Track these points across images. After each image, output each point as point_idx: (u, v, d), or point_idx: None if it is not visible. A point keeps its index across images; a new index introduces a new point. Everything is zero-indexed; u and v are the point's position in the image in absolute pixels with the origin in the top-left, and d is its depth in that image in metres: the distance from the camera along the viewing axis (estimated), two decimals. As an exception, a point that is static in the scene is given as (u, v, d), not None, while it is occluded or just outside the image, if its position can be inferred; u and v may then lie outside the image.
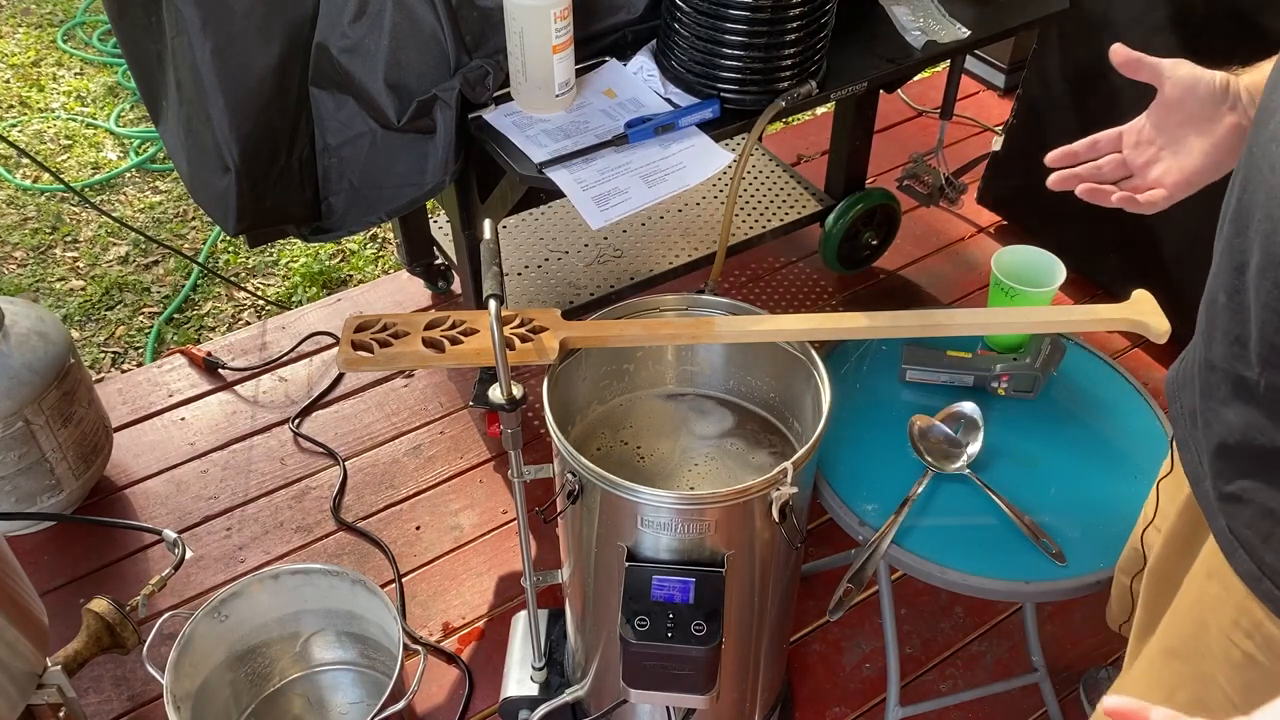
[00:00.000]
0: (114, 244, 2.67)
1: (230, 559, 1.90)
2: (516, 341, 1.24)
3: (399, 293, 2.40)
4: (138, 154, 2.93)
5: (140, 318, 2.48)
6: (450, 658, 1.77)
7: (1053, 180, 1.07)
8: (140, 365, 2.33)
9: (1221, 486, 0.81)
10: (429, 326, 1.25)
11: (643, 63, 1.67)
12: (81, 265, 2.61)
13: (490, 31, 1.55)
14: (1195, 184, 0.99)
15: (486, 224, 1.21)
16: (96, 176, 2.86)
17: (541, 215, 2.23)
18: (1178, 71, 0.96)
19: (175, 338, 2.42)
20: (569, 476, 1.21)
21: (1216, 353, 0.81)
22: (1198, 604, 0.93)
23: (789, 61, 1.60)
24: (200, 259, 2.58)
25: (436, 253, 2.26)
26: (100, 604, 1.47)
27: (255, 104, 1.52)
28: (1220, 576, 0.86)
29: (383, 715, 1.41)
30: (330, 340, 2.28)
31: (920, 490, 1.38)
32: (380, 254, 2.63)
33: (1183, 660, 0.95)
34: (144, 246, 2.64)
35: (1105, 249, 2.27)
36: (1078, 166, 1.05)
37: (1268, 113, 0.75)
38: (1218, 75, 0.95)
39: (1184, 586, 0.97)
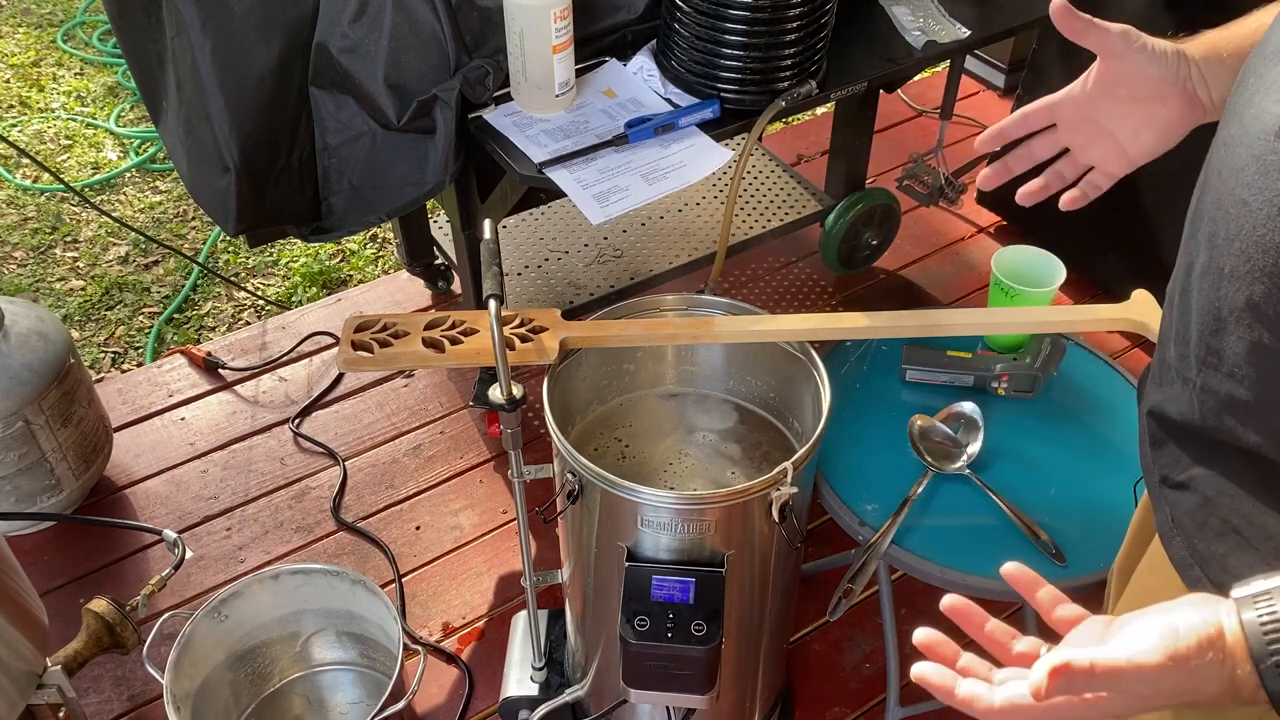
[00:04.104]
0: (114, 244, 2.67)
1: (230, 559, 1.90)
2: (516, 341, 1.24)
3: (399, 293, 2.40)
4: (138, 154, 2.93)
5: (140, 318, 2.48)
6: (450, 658, 1.77)
7: (984, 178, 1.03)
8: (140, 365, 2.33)
9: (1173, 475, 0.82)
10: (429, 326, 1.25)
11: (643, 63, 1.67)
12: (81, 265, 2.61)
13: (490, 31, 1.55)
14: (1138, 164, 0.96)
15: (486, 224, 1.21)
16: (96, 176, 2.86)
17: (541, 215, 2.23)
18: (1130, 47, 0.90)
19: (175, 338, 2.42)
20: (569, 476, 1.21)
21: (1170, 352, 0.81)
22: (1139, 596, 0.94)
23: (789, 61, 1.60)
24: (200, 259, 2.58)
25: (436, 253, 2.26)
26: (100, 604, 1.47)
27: (255, 104, 1.52)
28: (1160, 569, 0.87)
29: (383, 715, 1.41)
30: (330, 340, 2.28)
31: (920, 490, 1.38)
32: (380, 254, 2.63)
33: None
34: (144, 246, 2.64)
35: (1105, 249, 2.27)
36: (1006, 155, 1.01)
37: (1227, 114, 0.75)
38: (1169, 52, 0.89)
39: (1132, 580, 0.98)
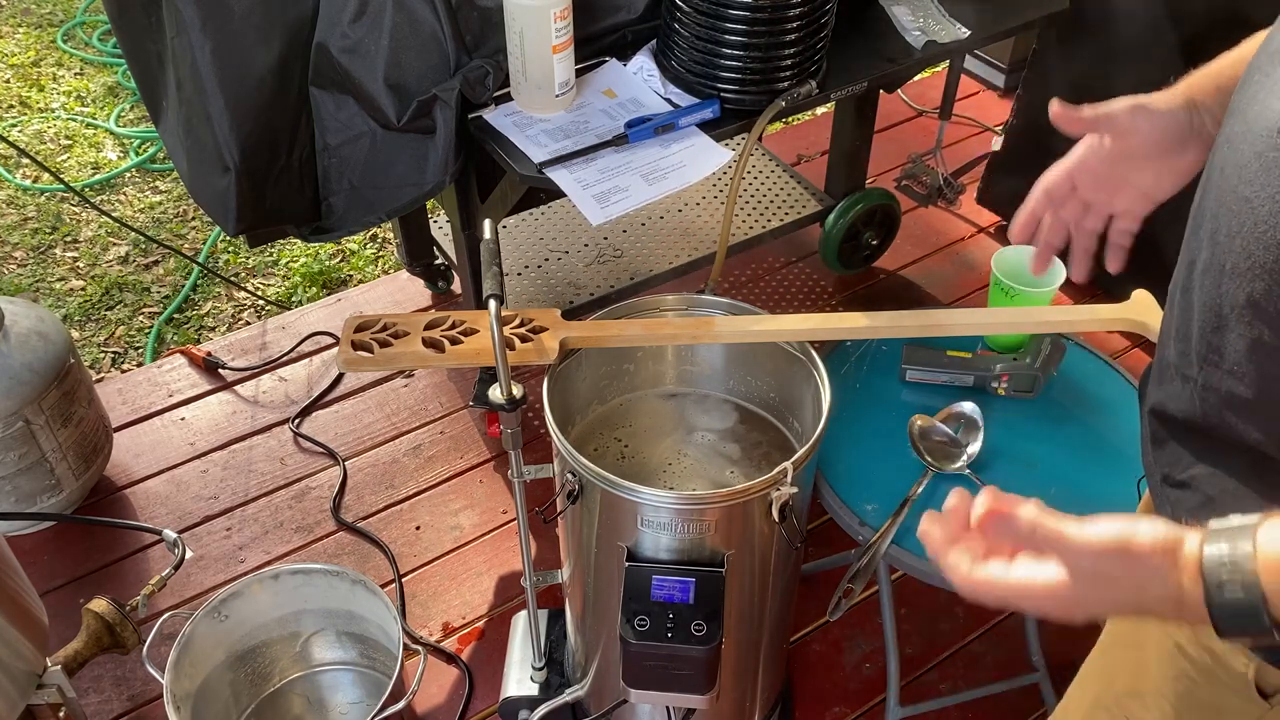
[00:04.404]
0: (114, 244, 2.67)
1: (230, 559, 1.90)
2: (516, 341, 1.24)
3: (399, 293, 2.40)
4: (138, 154, 2.93)
5: (140, 318, 2.48)
6: (450, 658, 1.77)
7: (1034, 266, 1.06)
8: (140, 365, 2.33)
9: (1174, 474, 0.82)
10: (429, 326, 1.26)
11: (643, 63, 1.67)
12: (81, 265, 2.61)
13: (490, 31, 1.55)
14: (1160, 202, 0.98)
15: (486, 224, 1.21)
16: (96, 176, 2.86)
17: (541, 215, 2.23)
18: (1140, 120, 0.92)
19: (175, 338, 2.42)
20: (569, 476, 1.21)
21: (1170, 350, 0.82)
22: None
23: (789, 61, 1.60)
24: (200, 259, 2.58)
25: (436, 253, 2.26)
26: (100, 604, 1.47)
27: (255, 104, 1.52)
28: None
29: (383, 715, 1.41)
30: (330, 340, 2.28)
31: (920, 490, 1.38)
32: (380, 254, 2.63)
33: (1123, 648, 0.97)
34: (144, 246, 2.64)
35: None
36: (1043, 231, 1.04)
37: (1230, 112, 0.76)
38: (1178, 109, 0.91)
39: None
